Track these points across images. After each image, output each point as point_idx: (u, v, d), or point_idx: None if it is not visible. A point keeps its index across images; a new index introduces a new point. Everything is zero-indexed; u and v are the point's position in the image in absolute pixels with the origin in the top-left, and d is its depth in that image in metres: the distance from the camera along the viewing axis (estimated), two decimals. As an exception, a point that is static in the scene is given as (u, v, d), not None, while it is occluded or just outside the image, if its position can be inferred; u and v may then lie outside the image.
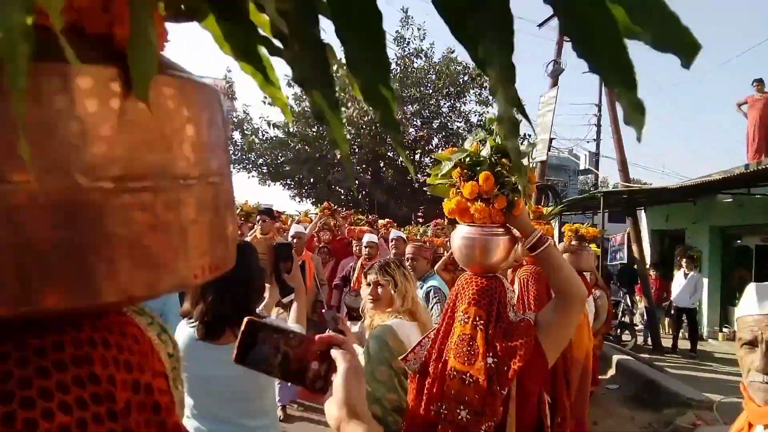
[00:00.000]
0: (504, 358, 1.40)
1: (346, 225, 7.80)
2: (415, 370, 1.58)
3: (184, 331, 1.76)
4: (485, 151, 1.49)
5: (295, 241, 5.29)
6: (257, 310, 1.87)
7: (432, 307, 3.54)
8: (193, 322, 1.73)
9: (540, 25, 12.43)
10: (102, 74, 0.39)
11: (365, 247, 5.46)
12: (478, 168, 1.47)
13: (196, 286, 1.69)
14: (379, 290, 2.23)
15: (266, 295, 2.05)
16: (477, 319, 1.46)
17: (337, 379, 0.72)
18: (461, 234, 1.55)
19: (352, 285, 5.44)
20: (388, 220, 8.42)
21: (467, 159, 1.50)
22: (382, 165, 15.35)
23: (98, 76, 0.38)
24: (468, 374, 1.42)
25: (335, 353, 0.73)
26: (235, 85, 16.69)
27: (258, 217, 5.44)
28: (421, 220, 12.01)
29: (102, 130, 0.38)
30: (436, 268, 4.31)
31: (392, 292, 2.21)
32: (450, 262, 4.35)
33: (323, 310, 5.33)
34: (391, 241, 5.07)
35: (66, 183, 0.37)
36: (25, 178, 0.35)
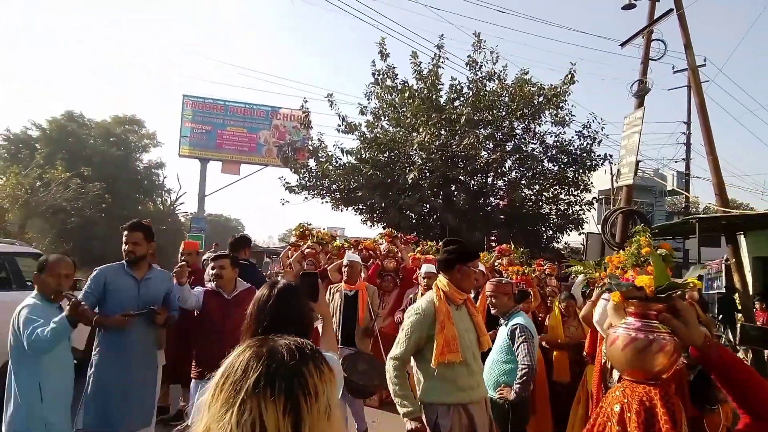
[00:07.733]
0: None
1: (411, 252, 7.43)
2: None
3: None
4: None
5: (346, 270, 5.10)
6: None
7: (518, 347, 3.37)
8: None
9: (623, 44, 10.85)
10: None
11: (423, 277, 5.35)
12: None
13: (250, 326, 1.80)
14: None
15: None
16: None
17: None
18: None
19: None
20: None
21: None
22: (453, 189, 14.99)
23: None
24: None
25: None
26: (311, 115, 16.65)
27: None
28: (494, 244, 11.79)
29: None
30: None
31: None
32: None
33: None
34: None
35: None
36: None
